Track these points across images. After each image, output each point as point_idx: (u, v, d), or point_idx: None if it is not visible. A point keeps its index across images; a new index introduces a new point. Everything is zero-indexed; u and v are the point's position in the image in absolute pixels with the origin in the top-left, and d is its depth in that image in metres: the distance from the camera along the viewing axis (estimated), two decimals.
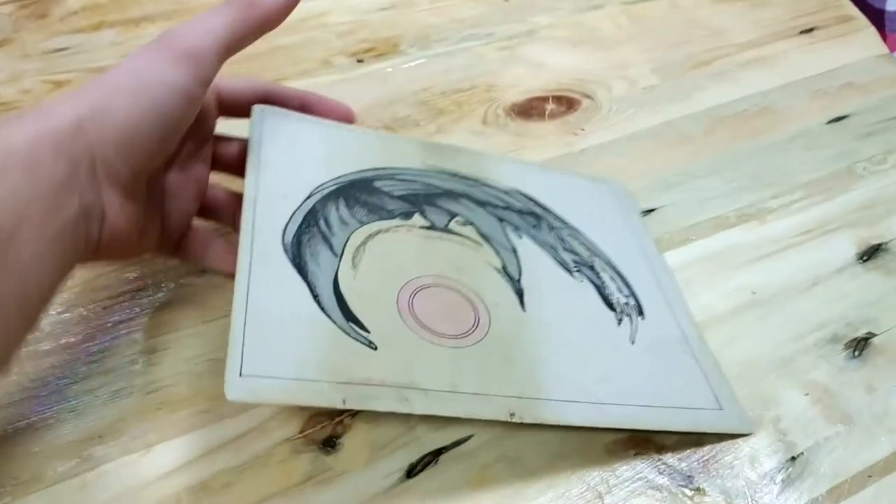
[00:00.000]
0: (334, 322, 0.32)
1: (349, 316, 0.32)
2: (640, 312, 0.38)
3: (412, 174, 0.40)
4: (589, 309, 0.37)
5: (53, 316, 0.38)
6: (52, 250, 0.28)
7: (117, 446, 0.33)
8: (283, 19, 0.34)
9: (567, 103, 0.53)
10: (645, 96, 0.54)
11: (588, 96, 0.54)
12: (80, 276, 0.40)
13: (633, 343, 0.36)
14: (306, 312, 0.31)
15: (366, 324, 0.32)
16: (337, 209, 0.36)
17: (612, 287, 0.39)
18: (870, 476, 0.34)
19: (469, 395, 0.31)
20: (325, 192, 0.37)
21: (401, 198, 0.38)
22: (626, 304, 0.38)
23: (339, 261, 0.34)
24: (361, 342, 0.31)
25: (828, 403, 0.36)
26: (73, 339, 0.37)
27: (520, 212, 0.40)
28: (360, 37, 0.57)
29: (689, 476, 0.33)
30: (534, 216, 0.41)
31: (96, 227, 0.30)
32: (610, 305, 0.37)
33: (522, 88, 0.55)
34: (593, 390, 0.33)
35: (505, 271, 0.37)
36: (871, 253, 0.44)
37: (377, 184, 0.38)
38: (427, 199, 0.39)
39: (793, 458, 0.34)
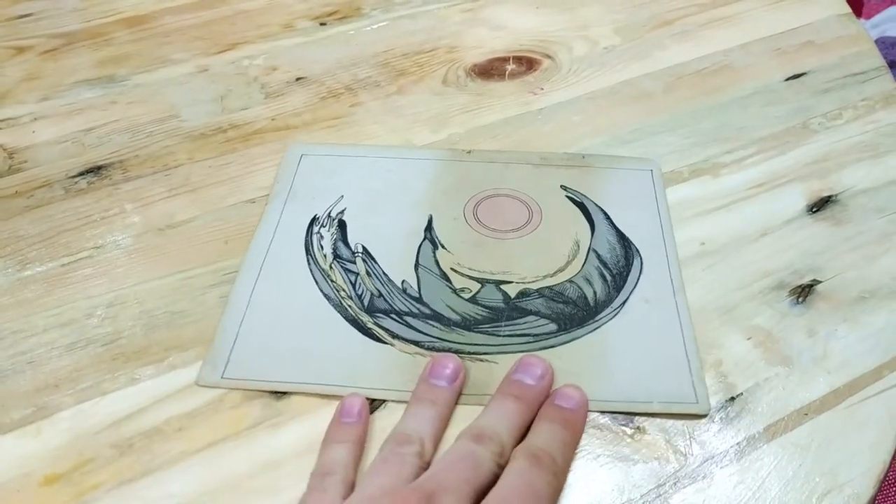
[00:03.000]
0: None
1: None
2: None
3: None
4: None
5: (12, 273, 0.39)
6: None
7: (72, 395, 0.34)
8: None
9: (527, 63, 0.54)
10: (605, 56, 0.55)
11: (548, 56, 0.54)
12: (40, 233, 0.41)
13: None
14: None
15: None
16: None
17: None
18: (806, 414, 0.35)
19: None
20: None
21: None
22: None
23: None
24: None
25: (769, 347, 0.37)
26: (31, 295, 0.38)
27: None
28: (323, 0, 0.58)
29: (629, 415, 0.34)
30: None
31: None
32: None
33: (484, 50, 0.55)
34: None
35: None
36: (821, 205, 0.45)
37: None
38: None
39: (732, 399, 0.35)
